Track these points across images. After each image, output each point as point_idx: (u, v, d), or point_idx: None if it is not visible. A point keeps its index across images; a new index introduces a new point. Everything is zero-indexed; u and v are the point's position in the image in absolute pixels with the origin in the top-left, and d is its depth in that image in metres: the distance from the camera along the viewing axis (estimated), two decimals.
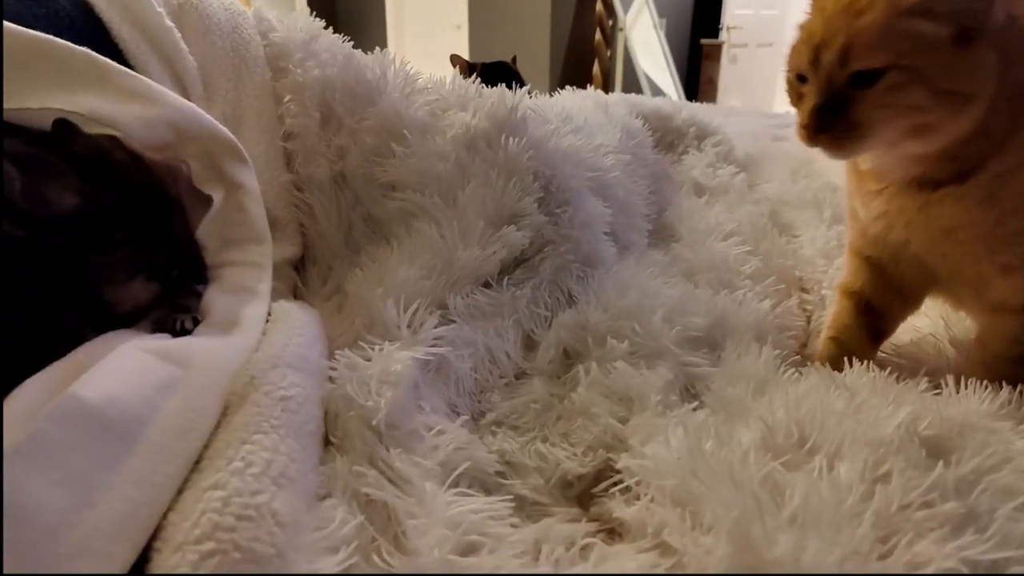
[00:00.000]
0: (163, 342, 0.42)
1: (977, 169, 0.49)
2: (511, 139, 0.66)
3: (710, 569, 0.34)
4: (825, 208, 0.94)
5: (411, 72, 0.71)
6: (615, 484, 0.44)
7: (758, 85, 4.11)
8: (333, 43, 0.70)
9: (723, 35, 4.09)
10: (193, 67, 0.60)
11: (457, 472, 0.42)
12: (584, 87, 1.17)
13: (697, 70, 4.24)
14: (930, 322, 0.68)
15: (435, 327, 0.52)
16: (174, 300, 0.49)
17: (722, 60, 4.13)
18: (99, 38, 0.56)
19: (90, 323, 0.43)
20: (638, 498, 0.41)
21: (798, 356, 0.63)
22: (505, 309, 0.59)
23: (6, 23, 0.45)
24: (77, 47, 0.48)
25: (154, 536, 0.31)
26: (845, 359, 0.55)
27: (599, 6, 3.25)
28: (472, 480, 0.43)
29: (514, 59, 1.86)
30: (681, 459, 0.41)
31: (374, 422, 0.41)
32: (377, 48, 0.73)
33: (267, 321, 0.49)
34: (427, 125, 0.67)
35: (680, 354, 0.56)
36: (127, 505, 0.31)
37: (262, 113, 0.65)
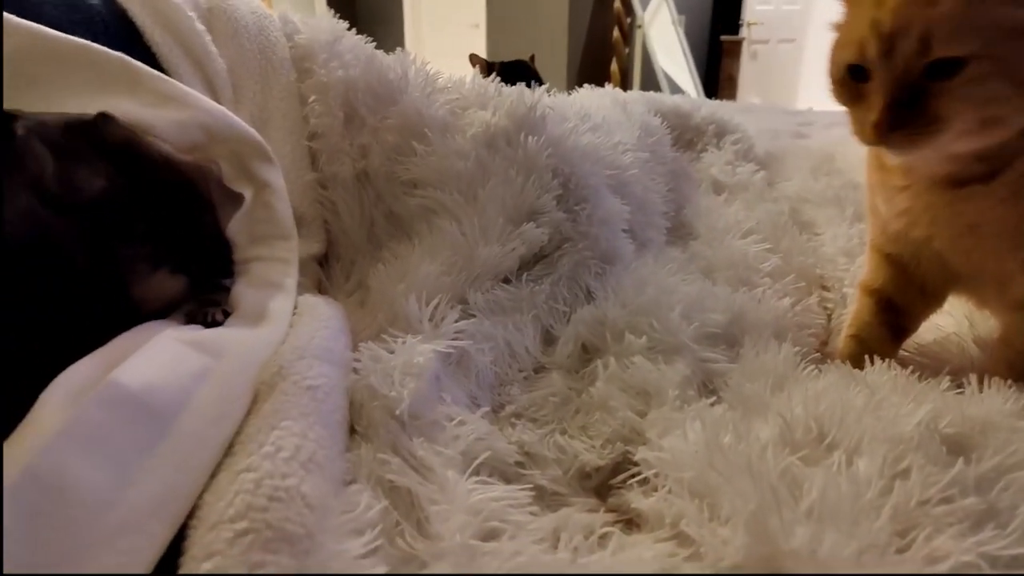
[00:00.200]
0: (197, 333, 0.43)
1: (1005, 167, 0.48)
2: (530, 137, 0.66)
3: (727, 559, 0.34)
4: (847, 206, 0.93)
5: (431, 72, 0.72)
6: (633, 476, 0.44)
7: (779, 82, 4.05)
8: (356, 44, 0.71)
9: (743, 31, 4.04)
10: (223, 70, 0.62)
11: (478, 461, 0.43)
12: (602, 85, 1.17)
13: (717, 67, 4.20)
14: (954, 321, 0.67)
15: (456, 321, 0.53)
16: (203, 294, 0.51)
17: (742, 56, 4.08)
18: (132, 42, 0.58)
19: (118, 314, 0.44)
20: (656, 490, 0.42)
21: (818, 354, 0.62)
22: (524, 304, 0.60)
23: (44, 28, 0.47)
24: (112, 52, 0.49)
25: (190, 516, 0.32)
26: (866, 357, 0.55)
27: (617, 4, 3.24)
28: (492, 470, 0.44)
29: (532, 58, 1.86)
30: (699, 452, 0.41)
31: (397, 412, 0.43)
32: (398, 48, 0.74)
33: (294, 314, 0.50)
34: (447, 124, 0.68)
35: (698, 350, 0.56)
36: (164, 486, 0.33)
37: (288, 114, 0.67)
